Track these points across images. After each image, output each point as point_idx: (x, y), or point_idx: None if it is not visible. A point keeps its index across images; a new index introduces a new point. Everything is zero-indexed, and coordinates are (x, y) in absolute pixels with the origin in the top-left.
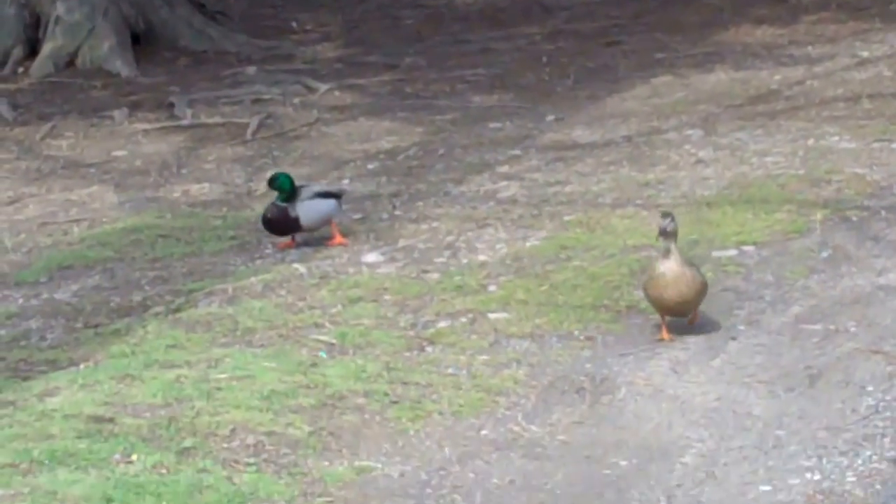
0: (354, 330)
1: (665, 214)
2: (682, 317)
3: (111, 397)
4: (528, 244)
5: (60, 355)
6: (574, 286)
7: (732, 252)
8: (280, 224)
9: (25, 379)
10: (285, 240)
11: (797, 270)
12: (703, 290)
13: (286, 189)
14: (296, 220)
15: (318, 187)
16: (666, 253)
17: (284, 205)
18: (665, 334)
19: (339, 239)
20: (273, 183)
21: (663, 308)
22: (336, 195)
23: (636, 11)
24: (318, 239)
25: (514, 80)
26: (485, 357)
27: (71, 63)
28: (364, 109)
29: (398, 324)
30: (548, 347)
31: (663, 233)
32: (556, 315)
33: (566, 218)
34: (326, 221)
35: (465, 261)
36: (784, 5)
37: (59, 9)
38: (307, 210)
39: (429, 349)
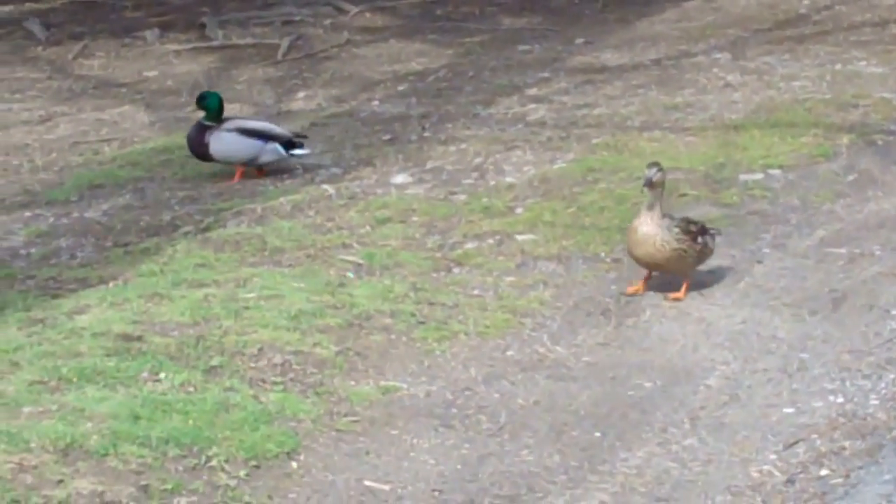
0: (382, 251)
1: (651, 164)
2: (667, 273)
3: (140, 316)
4: (555, 166)
5: (90, 273)
6: (601, 208)
7: (759, 175)
8: (192, 144)
9: (55, 297)
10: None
11: (823, 194)
12: (676, 257)
13: (212, 108)
14: (206, 146)
15: (251, 123)
16: (649, 206)
17: (208, 125)
18: (633, 287)
19: (234, 179)
20: (200, 101)
21: (636, 263)
22: (273, 137)
23: None
24: (341, 162)
25: (543, 2)
26: (511, 278)
27: None
28: (394, 31)
29: (425, 245)
30: (574, 269)
31: (648, 183)
32: (583, 237)
33: (594, 140)
34: (240, 158)
35: (492, 183)
36: None
37: None
38: (218, 140)
39: (456, 270)
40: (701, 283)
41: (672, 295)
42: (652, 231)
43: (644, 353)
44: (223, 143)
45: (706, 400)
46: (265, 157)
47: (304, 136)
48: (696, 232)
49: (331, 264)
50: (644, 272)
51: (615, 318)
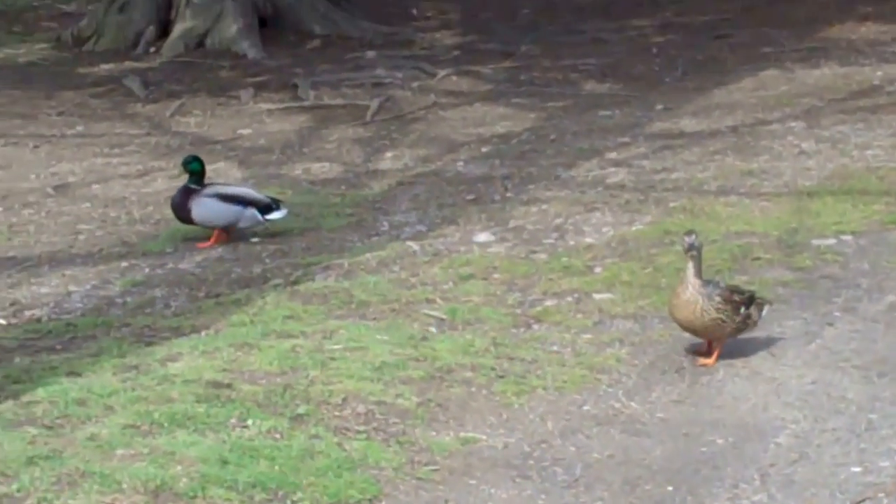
0: (464, 306)
1: (689, 232)
2: (705, 339)
3: (230, 364)
4: (633, 228)
5: (183, 323)
6: (677, 270)
7: (831, 241)
8: (176, 208)
9: (149, 344)
10: (205, 236)
11: (893, 260)
12: (714, 325)
13: (195, 171)
14: (188, 211)
15: (230, 189)
16: (691, 273)
17: (192, 188)
18: (704, 359)
19: (209, 242)
20: (185, 164)
21: (678, 326)
22: (251, 202)
23: (745, 6)
24: (425, 220)
25: (624, 69)
26: (589, 335)
27: (200, 44)
28: (480, 95)
29: (506, 301)
30: (650, 328)
31: (691, 248)
32: (659, 297)
33: (671, 204)
34: (220, 222)
35: (572, 242)
36: (888, 3)
37: None
38: (199, 206)
39: (535, 327)
40: (773, 344)
41: (702, 360)
42: (693, 298)
43: (716, 410)
44: (204, 208)
45: (776, 457)
46: (244, 223)
47: (280, 201)
48: (739, 302)
49: (414, 318)
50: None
51: (689, 376)
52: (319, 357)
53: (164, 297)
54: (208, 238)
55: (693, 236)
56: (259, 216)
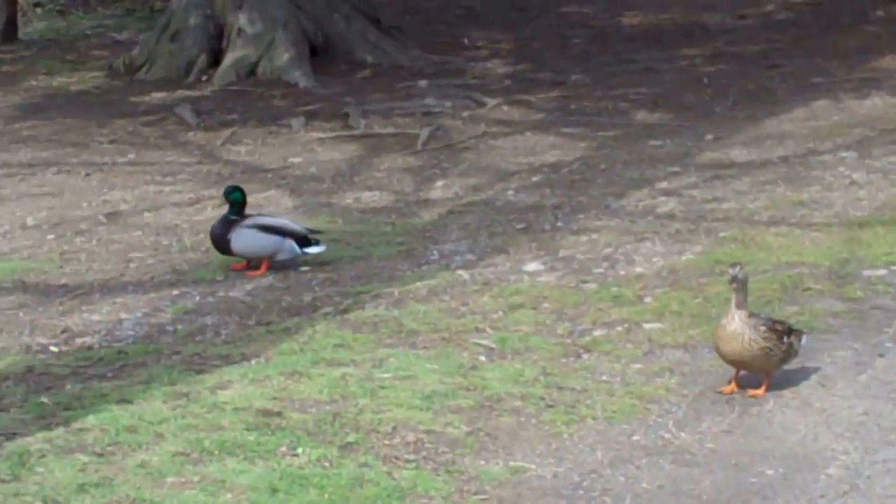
0: (514, 335)
1: (734, 264)
2: (753, 373)
3: (279, 392)
4: (683, 258)
5: (233, 350)
6: (727, 300)
7: (882, 271)
8: (216, 239)
9: (199, 372)
10: (238, 261)
11: None
12: (762, 355)
13: (237, 202)
14: (228, 242)
15: (269, 220)
16: (736, 305)
17: (233, 219)
18: (726, 387)
19: (258, 272)
20: (227, 194)
21: (722, 359)
22: (290, 234)
23: (796, 36)
24: (476, 249)
25: (675, 99)
26: (638, 365)
27: (252, 73)
28: (530, 124)
29: (556, 331)
30: (700, 358)
31: (735, 280)
32: (709, 327)
33: (721, 234)
34: (260, 254)
35: (622, 272)
36: None
37: (242, 21)
38: (238, 237)
39: (585, 356)
40: (823, 375)
41: (752, 391)
42: (739, 329)
43: (766, 441)
44: (244, 239)
45: (826, 488)
46: (282, 255)
47: (319, 232)
48: (782, 332)
49: (464, 347)
50: (732, 371)
51: (739, 406)
52: (369, 385)
53: (214, 325)
54: (257, 266)
55: (738, 268)
56: (297, 248)
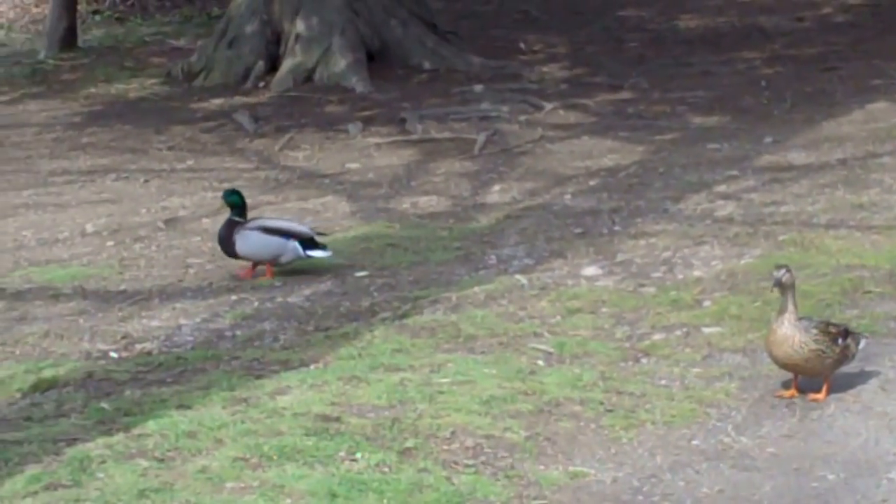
0: (572, 340)
1: (779, 266)
2: (809, 376)
3: (338, 397)
4: (742, 262)
5: (292, 356)
6: None
7: None
8: (221, 241)
9: (258, 378)
10: (245, 267)
11: None
12: (814, 357)
13: (236, 204)
14: (233, 244)
15: (274, 222)
16: (784, 308)
17: (237, 220)
18: (786, 391)
19: (265, 277)
20: (225, 197)
21: (775, 364)
22: (294, 235)
23: (854, 38)
24: (533, 254)
25: (732, 102)
26: (698, 369)
27: (309, 78)
28: (587, 128)
29: (614, 335)
30: (759, 362)
31: (778, 284)
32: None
33: (781, 237)
34: (264, 256)
35: (680, 276)
36: None
37: (299, 27)
38: (242, 239)
39: (643, 360)
40: (884, 379)
41: (812, 396)
42: (790, 332)
43: (827, 445)
44: (248, 240)
45: (889, 493)
46: (286, 256)
47: (324, 234)
48: (836, 333)
49: (522, 352)
50: (792, 375)
51: (799, 410)
52: (427, 391)
53: (273, 331)
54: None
55: (782, 271)
56: (300, 250)
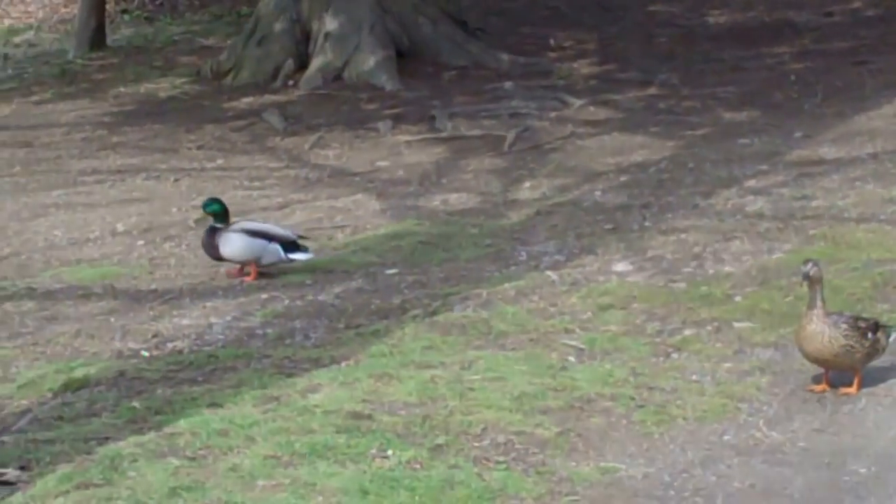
0: (603, 336)
1: (807, 261)
2: (840, 370)
3: (369, 395)
4: (773, 257)
5: (322, 354)
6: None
7: None
8: (205, 246)
9: (289, 376)
10: (232, 268)
11: None
12: (843, 352)
13: (217, 212)
14: (216, 247)
15: (255, 225)
16: (811, 303)
17: (217, 227)
18: (816, 385)
19: (249, 277)
20: (204, 207)
21: (806, 359)
22: (276, 238)
23: (884, 32)
24: (564, 250)
25: (763, 97)
26: (729, 364)
27: (338, 76)
28: (617, 124)
29: (645, 330)
30: (790, 356)
31: (806, 278)
32: None
33: (811, 232)
34: (248, 258)
35: (711, 271)
36: None
37: (329, 25)
38: (225, 241)
39: (674, 356)
40: None
41: (844, 389)
42: (819, 328)
43: (859, 439)
44: (230, 243)
45: None
46: (267, 258)
47: (306, 238)
48: (865, 328)
49: (553, 348)
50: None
51: (830, 404)
52: (458, 387)
53: (303, 329)
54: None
55: (809, 265)
56: (282, 253)
